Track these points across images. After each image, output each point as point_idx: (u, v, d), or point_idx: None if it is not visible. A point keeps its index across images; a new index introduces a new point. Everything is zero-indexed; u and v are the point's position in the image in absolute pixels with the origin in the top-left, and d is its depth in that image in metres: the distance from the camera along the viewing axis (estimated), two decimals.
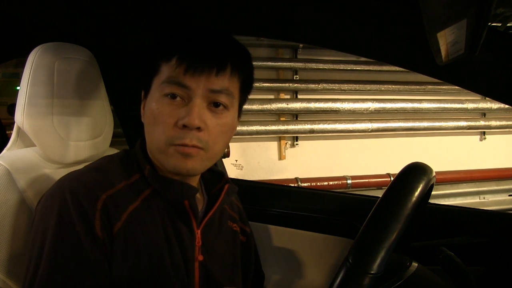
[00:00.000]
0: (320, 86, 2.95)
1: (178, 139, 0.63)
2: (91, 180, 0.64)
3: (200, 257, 0.71)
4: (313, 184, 2.84)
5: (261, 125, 2.76)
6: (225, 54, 0.66)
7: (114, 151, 0.98)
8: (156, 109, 0.64)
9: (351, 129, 2.97)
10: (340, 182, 2.92)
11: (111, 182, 0.65)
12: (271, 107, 2.77)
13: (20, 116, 0.79)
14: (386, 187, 0.67)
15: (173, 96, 0.63)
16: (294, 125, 2.86)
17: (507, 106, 1.40)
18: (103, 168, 0.68)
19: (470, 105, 3.23)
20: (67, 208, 0.60)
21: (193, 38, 0.66)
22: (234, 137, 0.76)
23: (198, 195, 0.76)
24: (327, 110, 2.90)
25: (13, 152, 0.82)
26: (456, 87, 1.07)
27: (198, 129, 0.63)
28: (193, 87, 0.63)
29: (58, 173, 0.78)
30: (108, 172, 0.67)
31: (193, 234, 0.71)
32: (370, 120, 3.02)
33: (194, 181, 0.75)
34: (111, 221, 0.62)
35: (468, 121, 3.26)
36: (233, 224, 0.84)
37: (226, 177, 0.81)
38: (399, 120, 3.10)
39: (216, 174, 0.81)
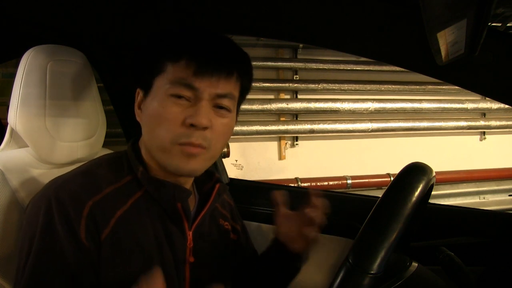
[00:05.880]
0: (320, 86, 2.95)
1: (184, 137, 0.63)
2: (77, 187, 0.63)
3: (191, 259, 0.70)
4: (313, 184, 2.83)
5: (261, 125, 2.75)
6: (233, 60, 0.67)
7: (107, 151, 0.98)
8: (160, 108, 0.64)
9: (351, 129, 2.96)
10: (340, 182, 2.91)
11: (98, 187, 0.64)
12: (271, 107, 2.76)
13: (13, 117, 0.79)
14: (386, 187, 0.67)
15: (179, 97, 0.63)
16: (294, 125, 2.86)
17: (507, 106, 1.40)
18: (90, 172, 0.67)
19: (470, 105, 3.23)
20: (52, 217, 0.60)
21: (201, 40, 0.66)
22: (234, 137, 0.77)
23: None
24: (327, 110, 2.90)
25: (6, 152, 0.83)
26: (456, 87, 1.07)
27: (204, 128, 0.63)
28: (201, 89, 0.63)
29: (51, 174, 0.79)
30: (96, 177, 0.66)
31: (184, 236, 0.70)
32: (370, 120, 3.01)
33: (189, 183, 0.74)
34: (98, 227, 0.61)
35: (468, 121, 3.26)
36: (224, 222, 0.84)
37: (217, 176, 0.80)
38: (399, 120, 3.10)
39: (207, 172, 0.80)
